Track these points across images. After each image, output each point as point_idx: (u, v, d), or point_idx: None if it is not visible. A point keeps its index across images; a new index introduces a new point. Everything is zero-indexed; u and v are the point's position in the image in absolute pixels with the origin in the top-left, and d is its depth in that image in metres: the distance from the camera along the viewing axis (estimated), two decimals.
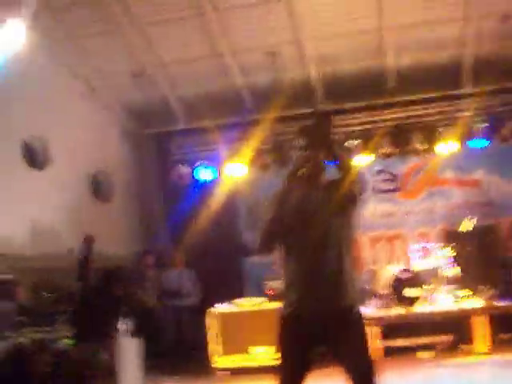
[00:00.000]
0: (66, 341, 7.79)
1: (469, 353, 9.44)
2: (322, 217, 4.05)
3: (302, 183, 4.16)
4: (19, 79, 8.11)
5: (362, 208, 4.29)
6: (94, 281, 8.85)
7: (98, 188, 10.78)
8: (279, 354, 4.10)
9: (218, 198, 11.46)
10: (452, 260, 10.45)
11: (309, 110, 10.68)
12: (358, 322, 4.08)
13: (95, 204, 10.74)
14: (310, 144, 4.15)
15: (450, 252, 10.45)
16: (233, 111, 11.11)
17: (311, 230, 4.04)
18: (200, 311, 10.03)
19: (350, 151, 11.00)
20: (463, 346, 9.67)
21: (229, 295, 10.03)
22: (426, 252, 10.78)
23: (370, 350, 4.07)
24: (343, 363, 4.01)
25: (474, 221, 10.59)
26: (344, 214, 4.09)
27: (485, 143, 11.24)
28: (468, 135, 11.16)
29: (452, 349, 9.68)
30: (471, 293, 10.19)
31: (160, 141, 12.10)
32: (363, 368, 3.97)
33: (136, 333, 9.51)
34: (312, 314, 3.98)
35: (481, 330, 9.47)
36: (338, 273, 4.00)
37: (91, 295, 8.51)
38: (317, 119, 4.30)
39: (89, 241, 8.97)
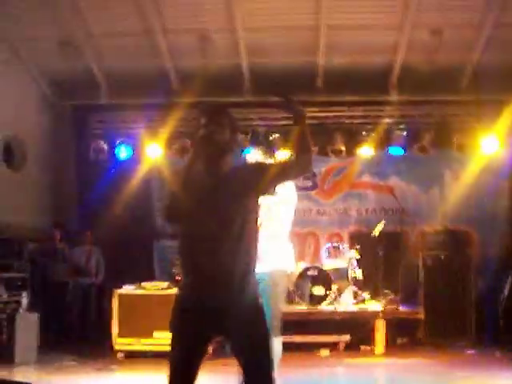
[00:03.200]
0: None
1: (368, 353, 9.65)
2: (222, 204, 3.98)
3: (204, 165, 4.08)
4: None
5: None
6: None
7: (10, 155, 10.44)
8: (171, 339, 4.02)
9: (133, 178, 11.28)
10: (357, 262, 10.59)
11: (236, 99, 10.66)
12: (255, 316, 4.02)
13: (6, 172, 10.39)
14: (207, 123, 4.07)
15: (356, 254, 10.58)
16: (157, 92, 10.92)
17: (208, 217, 3.96)
18: (106, 291, 9.89)
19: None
20: (363, 347, 9.87)
21: (138, 278, 9.90)
22: (336, 252, 10.88)
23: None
24: (237, 357, 3.96)
25: (383, 225, 10.75)
26: (245, 204, 4.03)
27: (402, 151, 11.46)
28: (388, 142, 11.37)
29: (352, 349, 9.86)
30: (373, 296, 10.44)
31: (81, 114, 11.78)
32: (256, 364, 3.94)
33: (36, 307, 9.36)
34: (203, 302, 3.91)
35: (380, 332, 9.69)
36: (234, 265, 3.93)
37: None
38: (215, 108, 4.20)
39: None
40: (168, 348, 3.98)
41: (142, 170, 11.41)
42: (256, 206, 4.09)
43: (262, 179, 4.04)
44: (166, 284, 9.80)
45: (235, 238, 3.93)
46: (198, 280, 3.98)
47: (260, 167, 4.14)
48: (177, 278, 9.87)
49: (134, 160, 11.51)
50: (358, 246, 10.67)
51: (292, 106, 3.95)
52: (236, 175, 4.05)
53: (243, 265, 3.94)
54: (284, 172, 4.07)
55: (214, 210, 3.93)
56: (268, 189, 4.10)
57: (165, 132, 10.92)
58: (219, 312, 3.86)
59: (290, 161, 4.05)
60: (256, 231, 4.13)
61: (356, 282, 10.55)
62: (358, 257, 10.56)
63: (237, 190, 3.96)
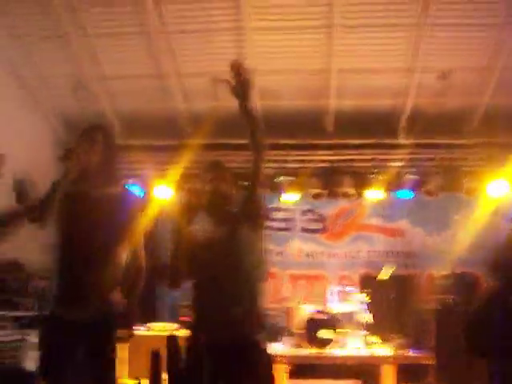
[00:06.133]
0: None
1: None
2: (221, 247, 4.02)
3: (203, 214, 4.13)
4: None
5: (265, 237, 4.30)
6: None
7: (22, 195, 10.42)
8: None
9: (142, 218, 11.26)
10: (367, 306, 10.53)
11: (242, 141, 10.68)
12: (259, 358, 4.01)
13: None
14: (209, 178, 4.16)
15: (366, 298, 10.53)
16: (169, 133, 10.97)
17: (210, 259, 4.00)
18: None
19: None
20: None
21: (143, 318, 9.86)
22: (343, 295, 10.83)
23: None
24: None
25: (393, 269, 10.73)
26: (240, 238, 4.06)
27: (411, 195, 11.45)
28: (396, 185, 11.36)
29: None
30: (382, 340, 10.35)
31: None
32: None
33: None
34: (209, 344, 3.91)
35: (389, 377, 9.58)
36: (232, 305, 3.94)
37: None
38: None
39: None
40: None
41: (150, 211, 11.40)
42: (254, 237, 4.12)
43: (243, 206, 4.11)
44: (174, 326, 9.78)
45: (237, 276, 3.97)
46: (204, 323, 4.01)
47: (240, 200, 4.23)
48: (182, 318, 9.87)
49: (145, 201, 11.52)
50: (367, 290, 10.63)
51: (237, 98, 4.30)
52: (231, 214, 4.12)
53: (248, 303, 3.96)
54: (251, 181, 4.13)
55: (218, 256, 3.98)
56: (251, 209, 4.14)
57: (176, 174, 10.95)
58: (224, 352, 3.86)
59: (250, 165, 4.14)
60: (260, 261, 4.16)
61: (365, 325, 10.47)
62: (368, 300, 10.51)
63: (231, 226, 4.02)
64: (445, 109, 10.46)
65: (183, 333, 9.17)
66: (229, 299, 3.98)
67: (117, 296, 4.48)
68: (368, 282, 11.23)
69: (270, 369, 4.16)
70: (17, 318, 9.34)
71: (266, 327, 4.21)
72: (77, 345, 4.13)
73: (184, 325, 9.63)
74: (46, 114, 10.83)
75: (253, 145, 4.08)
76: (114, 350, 4.32)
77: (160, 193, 11.30)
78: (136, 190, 11.50)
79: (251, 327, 3.98)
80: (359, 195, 11.47)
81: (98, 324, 4.15)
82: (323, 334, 10.14)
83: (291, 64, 9.80)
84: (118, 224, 4.24)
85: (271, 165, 11.01)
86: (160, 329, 9.69)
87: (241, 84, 4.03)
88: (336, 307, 10.65)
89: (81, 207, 4.15)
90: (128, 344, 9.32)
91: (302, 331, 10.21)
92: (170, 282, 4.32)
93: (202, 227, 4.19)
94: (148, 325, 9.74)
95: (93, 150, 4.29)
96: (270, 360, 4.16)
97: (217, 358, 3.92)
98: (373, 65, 9.84)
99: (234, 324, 3.93)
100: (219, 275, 4.01)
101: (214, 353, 3.91)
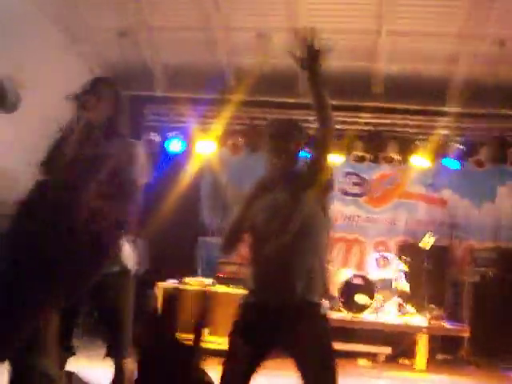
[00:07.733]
0: None
1: (408, 368, 9.45)
2: (285, 210, 3.93)
3: (271, 184, 4.06)
4: None
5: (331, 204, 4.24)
6: None
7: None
8: (229, 341, 3.96)
9: (183, 172, 11.26)
10: (405, 274, 10.42)
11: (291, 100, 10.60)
12: (320, 319, 3.94)
13: None
14: (274, 149, 4.07)
15: (404, 266, 10.41)
16: (212, 87, 10.86)
17: (275, 221, 3.93)
18: (148, 283, 9.87)
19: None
20: (403, 361, 9.67)
21: (180, 272, 9.89)
22: (382, 262, 10.70)
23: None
24: (298, 361, 3.85)
25: (434, 239, 10.54)
26: (304, 200, 3.98)
27: (458, 164, 11.20)
28: (443, 153, 11.11)
29: (392, 361, 9.68)
30: (418, 310, 10.23)
31: (135, 104, 11.81)
32: (321, 373, 3.83)
33: None
34: (269, 305, 3.84)
35: (422, 347, 9.48)
36: (297, 265, 3.87)
37: None
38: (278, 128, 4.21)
39: None
40: (208, 345, 3.93)
41: (193, 165, 11.39)
42: (318, 200, 4.04)
43: (309, 170, 4.02)
44: (210, 281, 9.78)
45: (298, 236, 3.89)
46: (263, 284, 3.94)
47: (306, 164, 4.12)
48: (219, 275, 9.86)
49: (186, 154, 11.48)
50: (407, 259, 10.50)
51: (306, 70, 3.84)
52: (296, 177, 4.04)
53: (308, 264, 3.89)
54: (317, 148, 4.02)
55: (282, 219, 3.91)
56: (316, 175, 4.04)
57: (218, 128, 10.87)
58: (282, 316, 3.79)
59: (316, 136, 4.00)
60: (324, 226, 4.08)
61: (401, 294, 10.36)
62: (407, 269, 10.39)
63: (296, 190, 3.95)
64: (497, 78, 10.16)
65: (220, 288, 9.30)
66: (291, 264, 3.89)
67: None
68: (405, 250, 11.10)
69: (330, 337, 4.07)
70: None
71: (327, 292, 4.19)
72: None
73: (220, 281, 9.67)
74: (89, 63, 10.74)
75: (321, 119, 3.92)
76: None
77: (202, 147, 11.23)
78: (179, 144, 11.47)
79: (313, 290, 3.90)
80: (403, 161, 11.26)
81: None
82: (360, 299, 10.08)
83: (340, 23, 9.55)
84: (122, 184, 4.09)
85: (314, 126, 10.85)
86: (196, 284, 9.69)
87: (311, 56, 3.77)
88: (374, 273, 10.55)
89: (83, 167, 3.98)
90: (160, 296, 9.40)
91: (338, 295, 10.14)
92: (225, 247, 4.23)
93: (266, 191, 4.11)
94: (184, 279, 9.75)
95: (100, 104, 4.11)
96: (330, 328, 4.07)
97: (275, 319, 3.85)
98: (424, 28, 9.56)
99: (295, 286, 3.85)
100: (282, 239, 3.91)
101: (274, 314, 3.84)
